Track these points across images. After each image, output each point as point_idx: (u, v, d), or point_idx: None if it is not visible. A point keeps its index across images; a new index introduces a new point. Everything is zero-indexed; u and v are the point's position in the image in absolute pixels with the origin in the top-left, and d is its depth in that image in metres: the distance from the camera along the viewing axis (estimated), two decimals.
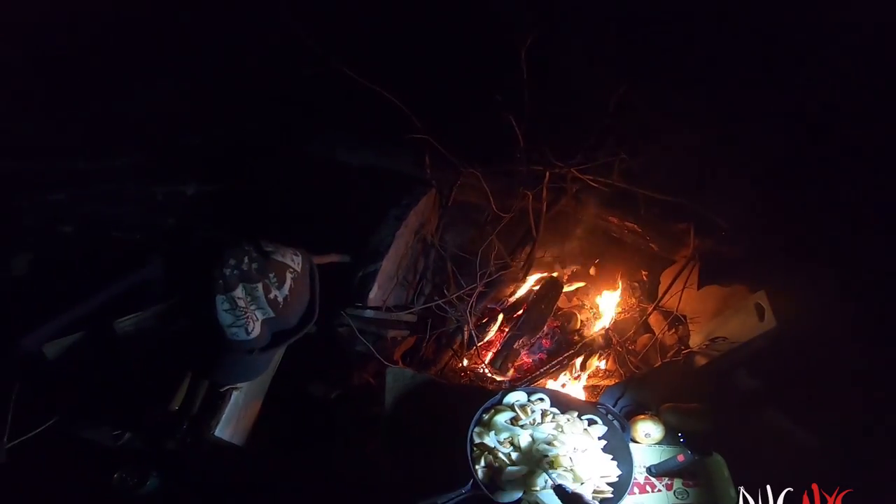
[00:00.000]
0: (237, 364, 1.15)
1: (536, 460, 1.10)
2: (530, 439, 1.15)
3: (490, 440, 1.14)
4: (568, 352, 1.58)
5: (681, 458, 1.22)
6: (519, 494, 1.06)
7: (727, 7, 1.30)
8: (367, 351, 1.36)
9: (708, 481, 1.22)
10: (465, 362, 1.59)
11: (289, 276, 1.14)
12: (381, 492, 1.19)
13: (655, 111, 1.47)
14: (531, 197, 1.53)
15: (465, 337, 1.54)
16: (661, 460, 1.24)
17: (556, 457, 1.08)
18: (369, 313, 1.43)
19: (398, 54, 1.61)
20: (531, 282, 1.71)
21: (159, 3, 1.64)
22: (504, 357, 1.57)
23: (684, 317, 1.61)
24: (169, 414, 1.16)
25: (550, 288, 1.67)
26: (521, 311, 1.65)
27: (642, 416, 1.30)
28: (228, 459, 1.25)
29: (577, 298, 1.83)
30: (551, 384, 1.54)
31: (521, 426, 1.17)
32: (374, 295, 1.42)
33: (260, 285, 1.09)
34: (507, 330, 1.64)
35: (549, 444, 1.12)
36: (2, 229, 1.67)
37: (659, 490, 1.22)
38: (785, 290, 1.31)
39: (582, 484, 1.08)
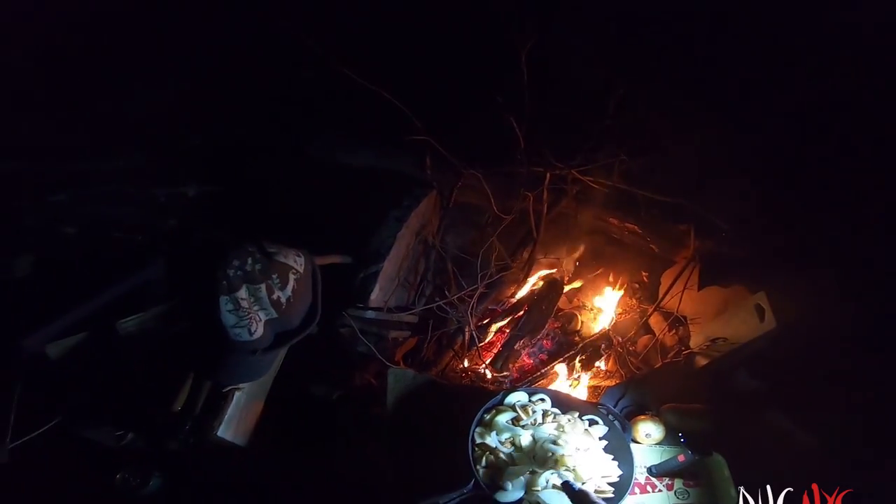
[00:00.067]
0: (240, 365, 1.15)
1: (539, 460, 1.11)
2: (531, 439, 1.15)
3: (491, 440, 1.14)
4: (569, 352, 1.58)
5: (681, 458, 1.22)
6: (520, 494, 1.06)
7: (727, 7, 1.31)
8: (369, 352, 1.36)
9: (708, 481, 1.22)
10: (466, 363, 1.59)
11: (292, 277, 1.14)
12: (382, 492, 1.19)
13: (655, 112, 1.47)
14: (532, 198, 1.54)
15: (466, 338, 1.54)
16: (662, 460, 1.25)
17: (562, 456, 1.09)
18: (371, 314, 1.43)
19: (398, 55, 1.61)
20: (532, 283, 1.71)
21: (159, 3, 1.64)
22: (505, 358, 1.57)
23: (685, 317, 1.61)
24: (171, 414, 1.16)
25: (551, 289, 1.67)
26: (521, 312, 1.65)
27: (643, 417, 1.30)
28: (231, 460, 1.25)
29: (578, 299, 1.83)
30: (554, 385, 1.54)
31: (523, 426, 1.17)
32: (375, 296, 1.42)
33: (263, 286, 1.08)
34: (507, 331, 1.64)
35: (555, 443, 1.12)
36: (3, 230, 1.67)
37: (660, 490, 1.22)
38: (785, 291, 1.31)
39: (583, 483, 1.08)
